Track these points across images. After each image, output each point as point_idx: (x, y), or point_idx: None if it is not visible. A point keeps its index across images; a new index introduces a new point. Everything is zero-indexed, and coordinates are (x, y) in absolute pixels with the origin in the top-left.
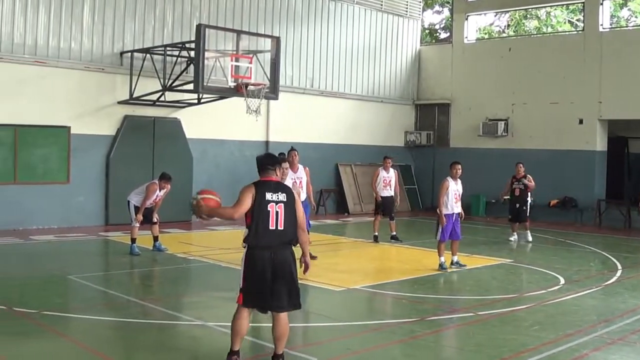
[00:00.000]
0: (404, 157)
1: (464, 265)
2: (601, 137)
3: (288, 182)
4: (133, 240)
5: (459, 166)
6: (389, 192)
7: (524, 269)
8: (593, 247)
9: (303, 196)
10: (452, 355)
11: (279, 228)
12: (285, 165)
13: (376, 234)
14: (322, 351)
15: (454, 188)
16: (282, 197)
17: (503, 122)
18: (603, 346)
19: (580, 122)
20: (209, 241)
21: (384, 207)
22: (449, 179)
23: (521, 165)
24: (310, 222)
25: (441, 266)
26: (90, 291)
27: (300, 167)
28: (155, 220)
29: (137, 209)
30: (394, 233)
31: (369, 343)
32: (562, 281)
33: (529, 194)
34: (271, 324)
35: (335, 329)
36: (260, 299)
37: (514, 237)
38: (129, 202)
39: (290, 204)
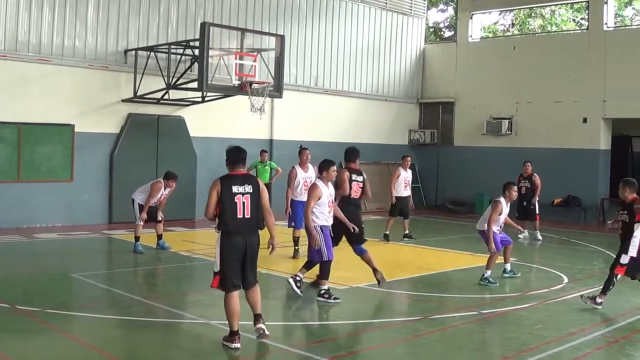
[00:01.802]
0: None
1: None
2: (605, 136)
3: (299, 181)
4: (137, 239)
5: (515, 188)
6: (408, 192)
7: (528, 268)
8: (596, 246)
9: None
10: (456, 353)
11: (246, 216)
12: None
13: (387, 232)
14: (326, 349)
15: (505, 210)
16: (248, 188)
17: (507, 121)
18: (606, 345)
19: (585, 120)
20: (213, 239)
21: (402, 207)
22: (502, 201)
23: (529, 163)
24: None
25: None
26: (94, 289)
27: (311, 166)
28: (159, 218)
29: (141, 207)
30: (407, 232)
31: (372, 341)
32: (566, 280)
33: (536, 192)
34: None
35: (339, 328)
36: (237, 277)
37: (523, 235)
38: (133, 200)
39: (255, 194)
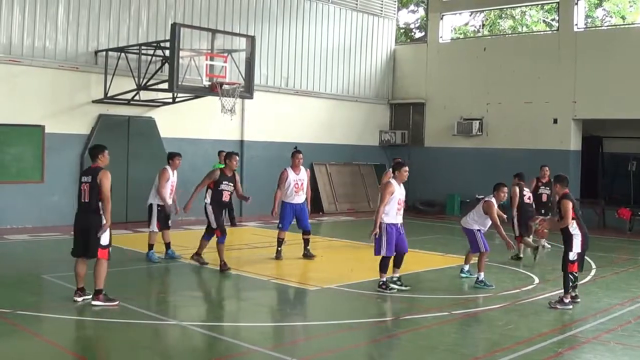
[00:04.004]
0: (378, 157)
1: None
2: (575, 136)
3: (289, 183)
4: (150, 247)
5: (505, 189)
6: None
7: (498, 268)
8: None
9: (302, 198)
10: (427, 354)
11: (85, 200)
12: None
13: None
14: (297, 351)
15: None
16: (88, 179)
17: (478, 122)
18: (577, 345)
19: (555, 121)
20: (185, 241)
21: None
22: (494, 201)
23: (546, 168)
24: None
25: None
26: (65, 290)
27: (303, 169)
28: (170, 224)
29: (160, 209)
30: None
31: (344, 342)
32: (536, 280)
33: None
34: None
35: (310, 328)
36: (78, 249)
37: (543, 245)
38: (151, 205)
39: (93, 184)
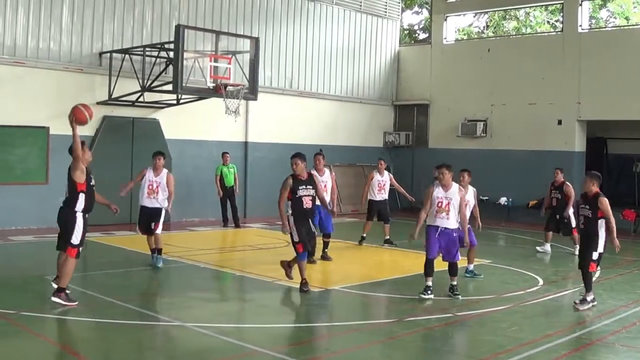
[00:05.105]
0: (383, 157)
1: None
2: (580, 137)
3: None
4: (159, 251)
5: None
6: (383, 195)
7: (503, 270)
8: (571, 248)
9: (327, 198)
10: (430, 356)
11: (65, 195)
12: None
13: (364, 235)
14: (302, 352)
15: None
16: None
17: (482, 123)
18: (581, 347)
19: (559, 122)
20: (188, 242)
21: (379, 211)
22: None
23: (559, 171)
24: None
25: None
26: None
27: (327, 170)
28: (153, 226)
29: (165, 214)
30: (388, 237)
31: (348, 344)
32: (541, 282)
33: (569, 203)
34: None
35: (314, 330)
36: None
37: (543, 248)
38: (158, 209)
39: (68, 179)
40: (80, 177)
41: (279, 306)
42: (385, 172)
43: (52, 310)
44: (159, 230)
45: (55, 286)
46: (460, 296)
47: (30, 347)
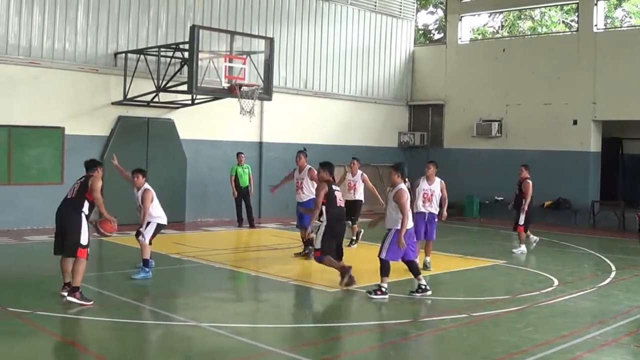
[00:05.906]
0: (397, 158)
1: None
2: (595, 138)
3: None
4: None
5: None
6: (351, 196)
7: (517, 270)
8: (587, 249)
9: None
10: (445, 356)
11: (69, 197)
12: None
13: (353, 238)
14: (316, 352)
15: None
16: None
17: (497, 123)
18: (597, 348)
19: (575, 123)
20: (202, 242)
21: (347, 210)
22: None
23: (523, 167)
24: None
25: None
26: (84, 291)
27: (359, 172)
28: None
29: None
30: (354, 237)
31: (362, 344)
32: (556, 282)
33: (524, 200)
34: None
35: (328, 330)
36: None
37: (534, 240)
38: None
39: (81, 187)
40: (94, 196)
41: (294, 306)
42: (358, 172)
43: (67, 310)
44: (141, 238)
45: (66, 295)
46: (430, 291)
47: (45, 346)
